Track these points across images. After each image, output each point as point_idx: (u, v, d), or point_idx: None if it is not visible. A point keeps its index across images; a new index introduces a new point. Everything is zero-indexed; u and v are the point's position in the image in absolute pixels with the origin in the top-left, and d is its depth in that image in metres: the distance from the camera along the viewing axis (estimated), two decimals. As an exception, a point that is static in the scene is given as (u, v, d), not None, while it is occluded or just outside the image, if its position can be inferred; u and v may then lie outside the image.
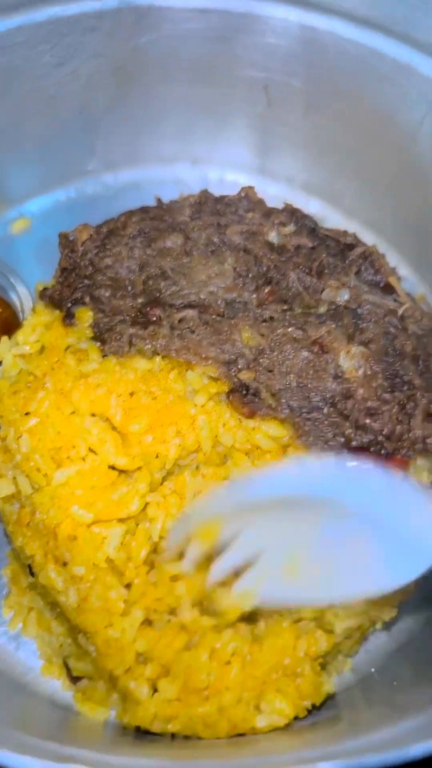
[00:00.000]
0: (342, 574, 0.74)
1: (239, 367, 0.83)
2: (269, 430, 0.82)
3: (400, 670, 0.90)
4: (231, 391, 0.82)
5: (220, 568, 0.77)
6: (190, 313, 0.86)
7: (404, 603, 0.95)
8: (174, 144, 1.29)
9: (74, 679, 0.88)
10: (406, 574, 0.71)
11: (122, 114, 1.23)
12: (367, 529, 0.71)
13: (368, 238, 1.30)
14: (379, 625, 0.91)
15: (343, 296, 0.88)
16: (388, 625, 0.95)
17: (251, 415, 0.82)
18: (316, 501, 0.72)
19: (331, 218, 1.29)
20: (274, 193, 1.24)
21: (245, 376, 0.82)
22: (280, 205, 1.06)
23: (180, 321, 0.86)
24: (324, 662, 0.83)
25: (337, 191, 1.30)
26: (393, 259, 1.27)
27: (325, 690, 0.80)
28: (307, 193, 1.31)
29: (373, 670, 0.92)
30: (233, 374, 0.83)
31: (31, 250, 1.21)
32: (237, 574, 0.77)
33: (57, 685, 0.89)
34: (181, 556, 0.78)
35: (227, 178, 1.30)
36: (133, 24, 1.10)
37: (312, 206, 1.30)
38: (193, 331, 0.85)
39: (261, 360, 0.83)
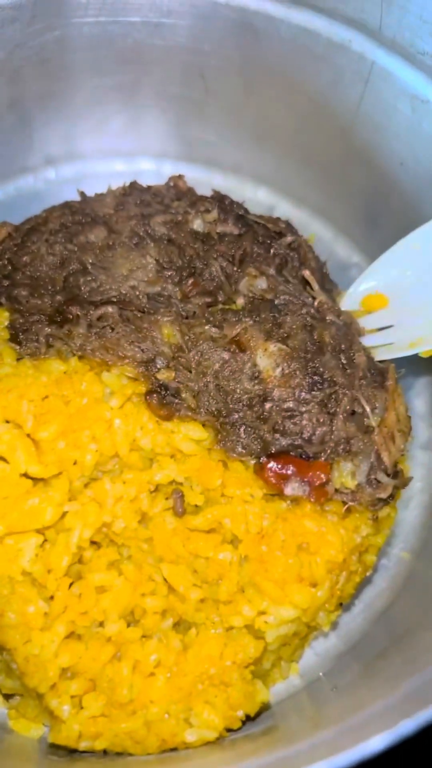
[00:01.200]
0: None
1: (158, 366, 0.79)
2: (190, 433, 0.78)
3: (348, 672, 0.86)
4: (149, 392, 0.78)
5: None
6: (110, 310, 0.82)
7: (350, 605, 0.92)
8: (113, 137, 1.25)
9: (6, 696, 0.85)
10: None
11: (55, 108, 1.19)
12: None
13: (318, 226, 1.27)
14: (326, 627, 0.87)
15: (260, 285, 0.84)
16: (336, 626, 0.92)
17: (168, 418, 0.78)
18: None
19: (280, 206, 1.26)
20: (219, 184, 1.20)
21: (164, 375, 0.78)
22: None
23: (99, 319, 0.82)
24: (258, 670, 0.79)
25: (284, 179, 1.26)
26: (345, 246, 1.24)
27: (259, 699, 0.76)
28: (254, 181, 1.27)
29: (321, 673, 0.89)
30: (152, 374, 0.79)
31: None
32: None
33: (-10, 703, 0.86)
34: None
35: (169, 170, 1.26)
36: (54, 12, 1.06)
37: (260, 195, 1.27)
38: (112, 329, 0.81)
39: (180, 359, 0.79)
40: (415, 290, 0.96)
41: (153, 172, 1.26)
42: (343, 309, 0.92)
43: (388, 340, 0.93)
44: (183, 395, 0.78)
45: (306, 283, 0.88)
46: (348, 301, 0.98)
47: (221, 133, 1.24)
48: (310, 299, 0.85)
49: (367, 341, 0.90)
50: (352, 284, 1.00)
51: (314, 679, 0.88)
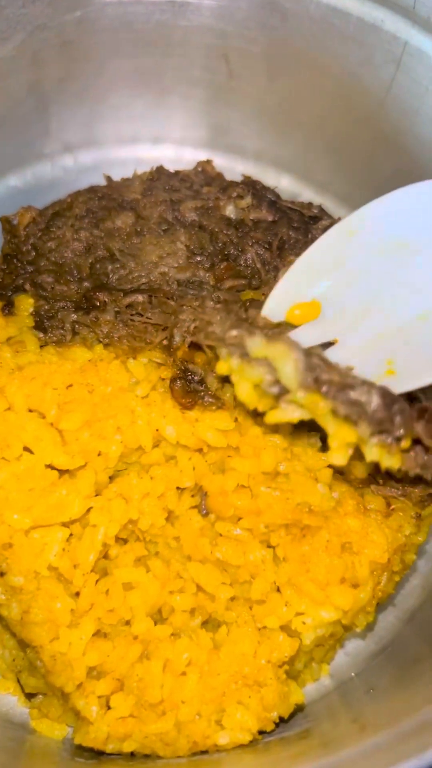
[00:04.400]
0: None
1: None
2: (215, 422, 0.75)
3: (381, 673, 0.84)
4: (174, 379, 0.76)
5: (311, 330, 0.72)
6: (139, 299, 0.79)
7: (384, 605, 0.89)
8: (132, 123, 1.22)
9: (29, 696, 0.82)
10: None
11: (75, 92, 1.16)
12: None
13: (343, 213, 1.23)
14: (361, 628, 0.85)
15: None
16: (368, 627, 0.89)
17: (191, 406, 0.75)
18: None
19: (304, 194, 1.22)
20: (242, 171, 1.17)
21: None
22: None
23: (127, 306, 0.79)
24: (292, 670, 0.76)
25: (308, 165, 1.22)
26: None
27: (293, 700, 0.73)
28: (277, 169, 1.24)
29: (353, 674, 0.86)
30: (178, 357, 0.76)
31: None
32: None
33: (12, 702, 0.83)
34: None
35: (191, 156, 1.22)
36: (76, -9, 1.03)
37: (283, 182, 1.23)
38: (141, 315, 0.78)
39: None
40: (350, 298, 0.75)
41: (173, 158, 1.23)
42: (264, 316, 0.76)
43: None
44: (208, 381, 0.75)
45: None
46: (271, 311, 0.76)
47: (244, 118, 1.20)
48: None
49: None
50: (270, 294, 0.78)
51: (346, 680, 0.85)
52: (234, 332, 0.69)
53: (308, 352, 0.67)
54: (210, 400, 0.75)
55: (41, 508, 0.72)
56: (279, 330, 0.71)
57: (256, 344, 0.68)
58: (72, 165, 1.23)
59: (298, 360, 0.65)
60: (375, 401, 0.66)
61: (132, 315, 0.79)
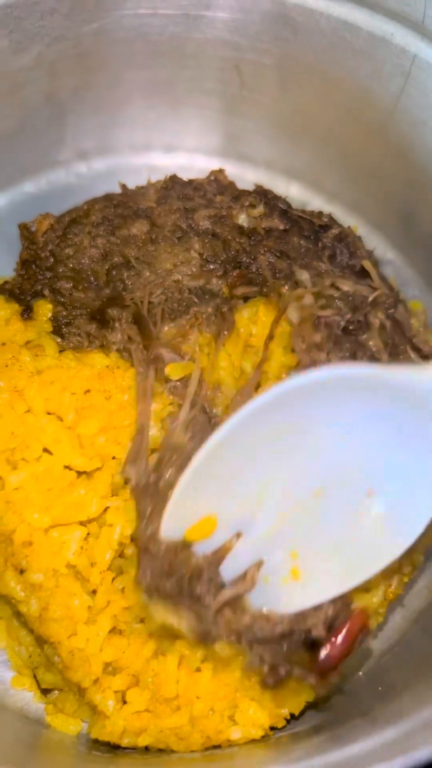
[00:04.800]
0: (346, 560, 0.71)
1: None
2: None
3: (389, 672, 0.85)
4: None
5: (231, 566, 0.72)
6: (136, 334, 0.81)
7: (393, 605, 0.91)
8: (146, 131, 1.24)
9: (44, 691, 0.84)
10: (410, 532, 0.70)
11: (90, 101, 1.18)
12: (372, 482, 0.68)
13: (352, 222, 1.25)
14: (372, 627, 0.87)
15: (311, 279, 0.83)
16: (378, 626, 0.90)
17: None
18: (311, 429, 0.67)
19: (313, 203, 1.25)
20: (252, 179, 1.19)
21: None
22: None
23: (129, 339, 0.81)
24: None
25: (317, 174, 1.25)
26: (379, 242, 1.22)
27: (304, 698, 0.75)
28: (287, 177, 1.26)
29: (360, 673, 0.88)
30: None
31: (1, 246, 1.17)
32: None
33: (28, 697, 0.85)
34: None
35: (203, 165, 1.25)
36: (93, 4, 1.05)
37: (293, 191, 1.25)
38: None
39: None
40: (243, 498, 0.73)
41: (185, 166, 1.25)
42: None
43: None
44: (213, 413, 0.77)
45: (359, 273, 0.87)
46: (169, 531, 0.73)
47: (255, 128, 1.23)
48: (366, 290, 0.84)
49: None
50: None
51: (354, 679, 0.87)
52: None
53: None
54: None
55: (60, 507, 0.74)
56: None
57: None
58: (86, 172, 1.25)
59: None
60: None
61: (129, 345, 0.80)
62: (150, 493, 0.73)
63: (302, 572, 0.72)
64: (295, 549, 0.72)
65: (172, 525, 0.72)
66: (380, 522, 0.71)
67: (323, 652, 0.70)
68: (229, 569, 0.73)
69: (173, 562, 0.71)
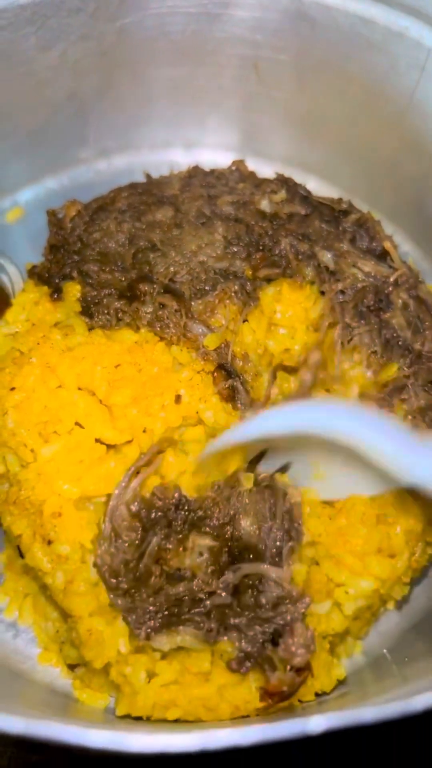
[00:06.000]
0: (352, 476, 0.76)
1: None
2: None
3: (413, 649, 0.86)
4: (217, 367, 0.80)
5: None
6: (174, 305, 0.83)
7: (417, 581, 0.91)
8: (166, 129, 1.27)
9: (71, 666, 0.85)
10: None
11: (112, 99, 1.22)
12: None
13: (367, 214, 1.28)
14: (390, 605, 0.87)
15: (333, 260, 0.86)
16: (400, 604, 0.91)
17: (229, 398, 0.79)
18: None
19: (330, 195, 1.27)
20: (269, 174, 1.22)
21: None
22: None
23: (161, 305, 0.83)
24: (333, 643, 0.79)
25: (334, 169, 1.27)
26: (395, 234, 1.23)
27: (335, 675, 0.76)
28: (304, 172, 1.28)
29: (385, 651, 0.88)
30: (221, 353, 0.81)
31: (25, 239, 1.20)
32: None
33: (56, 673, 0.86)
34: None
35: (221, 161, 1.27)
36: (117, 3, 1.08)
37: (310, 185, 1.27)
38: (177, 311, 0.83)
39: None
40: None
41: (205, 162, 1.27)
42: None
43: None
44: (245, 381, 0.79)
45: (379, 256, 0.89)
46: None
47: (272, 124, 1.26)
48: (387, 271, 0.86)
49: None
50: None
51: (378, 656, 0.88)
52: None
53: None
54: (243, 400, 0.79)
55: (90, 479, 0.75)
56: None
57: None
58: (107, 168, 1.28)
59: None
60: None
61: (172, 311, 0.83)
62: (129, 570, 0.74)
63: (326, 474, 0.78)
64: (316, 460, 0.78)
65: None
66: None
67: (276, 675, 0.71)
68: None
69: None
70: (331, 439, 0.70)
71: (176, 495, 0.75)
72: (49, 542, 0.75)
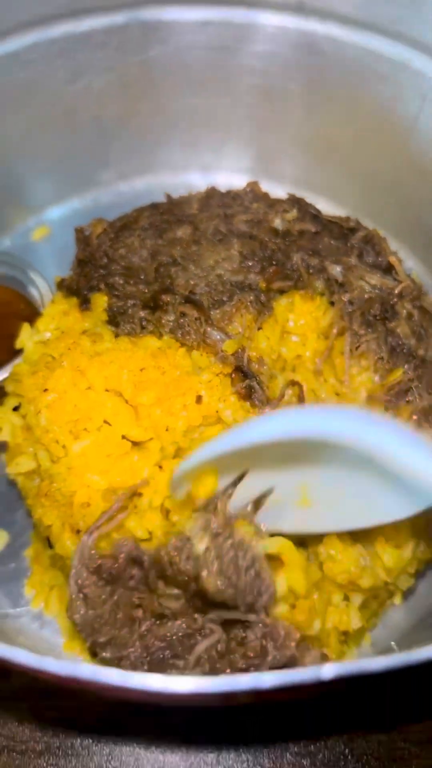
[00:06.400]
0: (349, 505, 0.73)
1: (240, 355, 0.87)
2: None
3: (421, 640, 0.90)
4: (235, 369, 0.86)
5: (239, 500, 0.76)
6: (195, 314, 0.89)
7: (423, 576, 0.96)
8: (184, 153, 1.35)
9: (94, 654, 0.90)
10: (407, 509, 0.70)
11: (134, 126, 1.30)
12: (368, 467, 0.68)
13: (375, 233, 1.34)
14: (397, 600, 0.91)
15: (342, 274, 0.92)
16: (406, 597, 0.95)
17: (246, 396, 0.85)
18: (315, 443, 0.69)
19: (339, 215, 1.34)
20: (282, 194, 1.29)
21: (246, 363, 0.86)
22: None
23: (182, 314, 0.89)
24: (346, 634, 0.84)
25: (342, 191, 1.34)
26: (400, 252, 1.29)
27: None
28: (314, 192, 1.35)
29: (392, 643, 0.92)
30: (238, 357, 0.87)
31: (51, 257, 1.27)
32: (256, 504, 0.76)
33: (79, 661, 0.91)
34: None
35: (236, 183, 1.35)
36: (140, 38, 1.17)
37: (319, 205, 1.33)
38: (197, 319, 0.89)
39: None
40: None
41: (220, 185, 1.35)
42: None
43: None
44: (265, 388, 0.85)
45: (385, 271, 0.95)
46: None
47: (284, 148, 1.33)
48: (393, 283, 0.92)
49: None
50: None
51: (386, 648, 0.92)
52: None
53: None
54: (259, 399, 0.84)
55: (116, 472, 0.81)
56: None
57: None
58: (128, 190, 1.36)
59: None
60: None
61: (188, 319, 0.89)
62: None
63: (312, 501, 0.74)
64: (305, 482, 0.74)
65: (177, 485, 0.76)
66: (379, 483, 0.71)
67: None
68: (239, 498, 0.75)
69: None
70: (341, 447, 0.66)
71: (132, 551, 0.75)
72: (78, 531, 0.81)
